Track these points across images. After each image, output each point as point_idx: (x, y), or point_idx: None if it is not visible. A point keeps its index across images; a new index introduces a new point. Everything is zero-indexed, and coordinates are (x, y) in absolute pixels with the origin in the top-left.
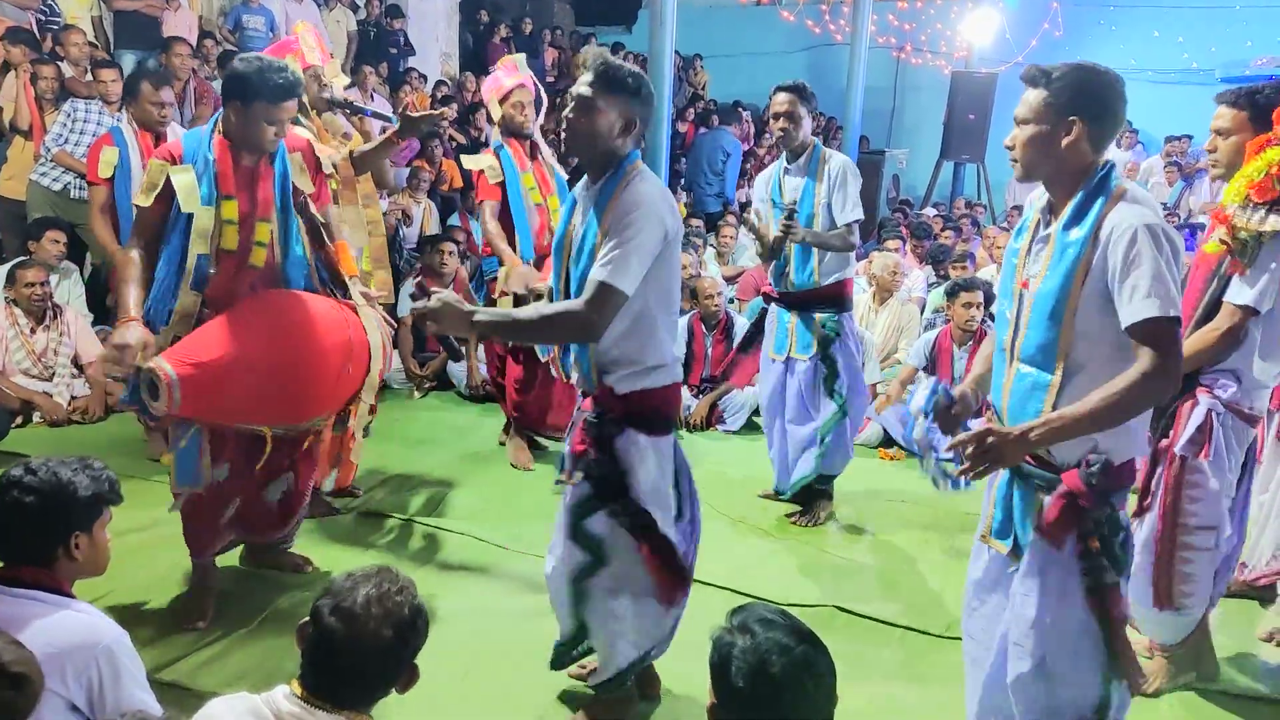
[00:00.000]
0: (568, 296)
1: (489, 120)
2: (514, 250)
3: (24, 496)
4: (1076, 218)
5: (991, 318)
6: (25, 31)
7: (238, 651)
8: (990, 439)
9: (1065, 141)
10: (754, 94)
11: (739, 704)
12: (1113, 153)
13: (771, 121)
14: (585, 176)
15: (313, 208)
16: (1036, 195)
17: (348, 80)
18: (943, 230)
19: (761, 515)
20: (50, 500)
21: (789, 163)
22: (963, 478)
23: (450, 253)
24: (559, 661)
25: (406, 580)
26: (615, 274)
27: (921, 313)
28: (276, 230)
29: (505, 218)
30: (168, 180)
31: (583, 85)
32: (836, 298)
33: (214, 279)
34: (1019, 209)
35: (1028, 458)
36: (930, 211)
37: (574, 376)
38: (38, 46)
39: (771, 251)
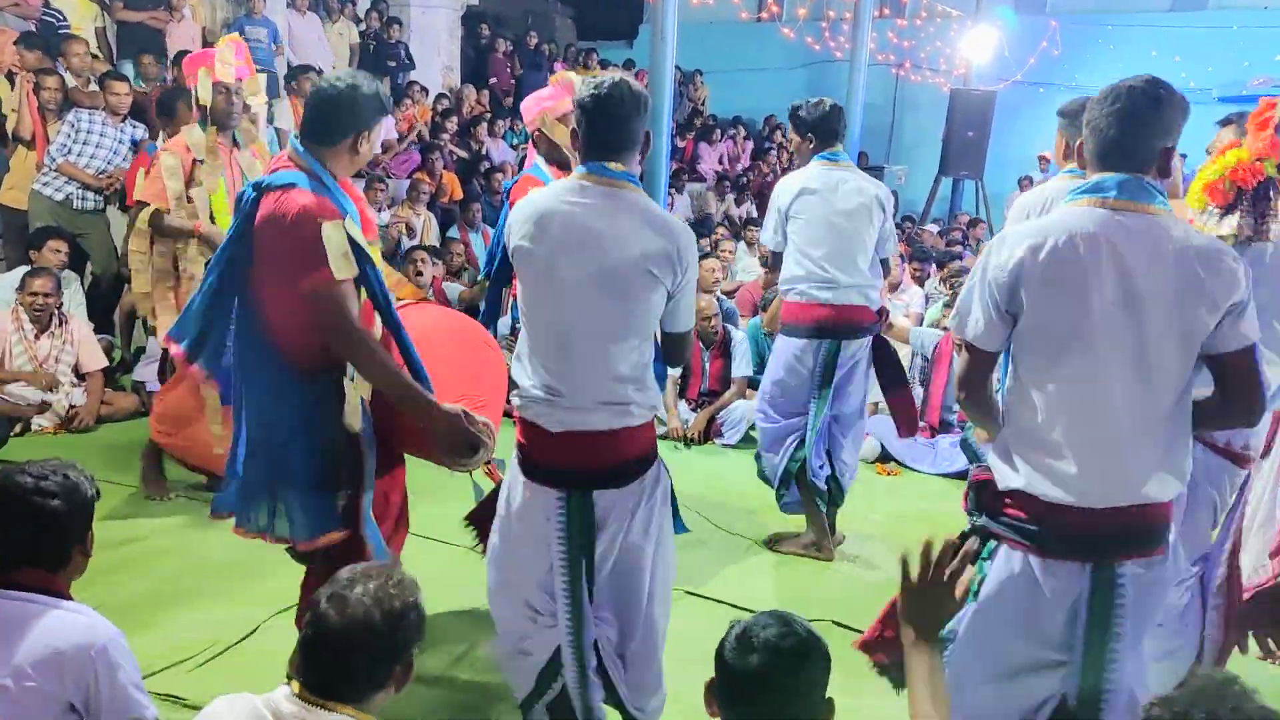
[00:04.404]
0: None
1: (530, 141)
2: None
3: (49, 501)
4: None
5: None
6: (38, 37)
7: (238, 660)
8: None
9: (1060, 162)
10: (753, 110)
11: (727, 675)
12: None
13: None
14: None
15: None
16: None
17: (265, 98)
18: (949, 245)
19: (758, 529)
20: (73, 503)
21: None
22: None
23: (424, 261)
24: None
25: (408, 579)
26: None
27: (920, 326)
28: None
29: None
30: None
31: None
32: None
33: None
34: None
35: None
36: (931, 228)
37: None
38: (51, 52)
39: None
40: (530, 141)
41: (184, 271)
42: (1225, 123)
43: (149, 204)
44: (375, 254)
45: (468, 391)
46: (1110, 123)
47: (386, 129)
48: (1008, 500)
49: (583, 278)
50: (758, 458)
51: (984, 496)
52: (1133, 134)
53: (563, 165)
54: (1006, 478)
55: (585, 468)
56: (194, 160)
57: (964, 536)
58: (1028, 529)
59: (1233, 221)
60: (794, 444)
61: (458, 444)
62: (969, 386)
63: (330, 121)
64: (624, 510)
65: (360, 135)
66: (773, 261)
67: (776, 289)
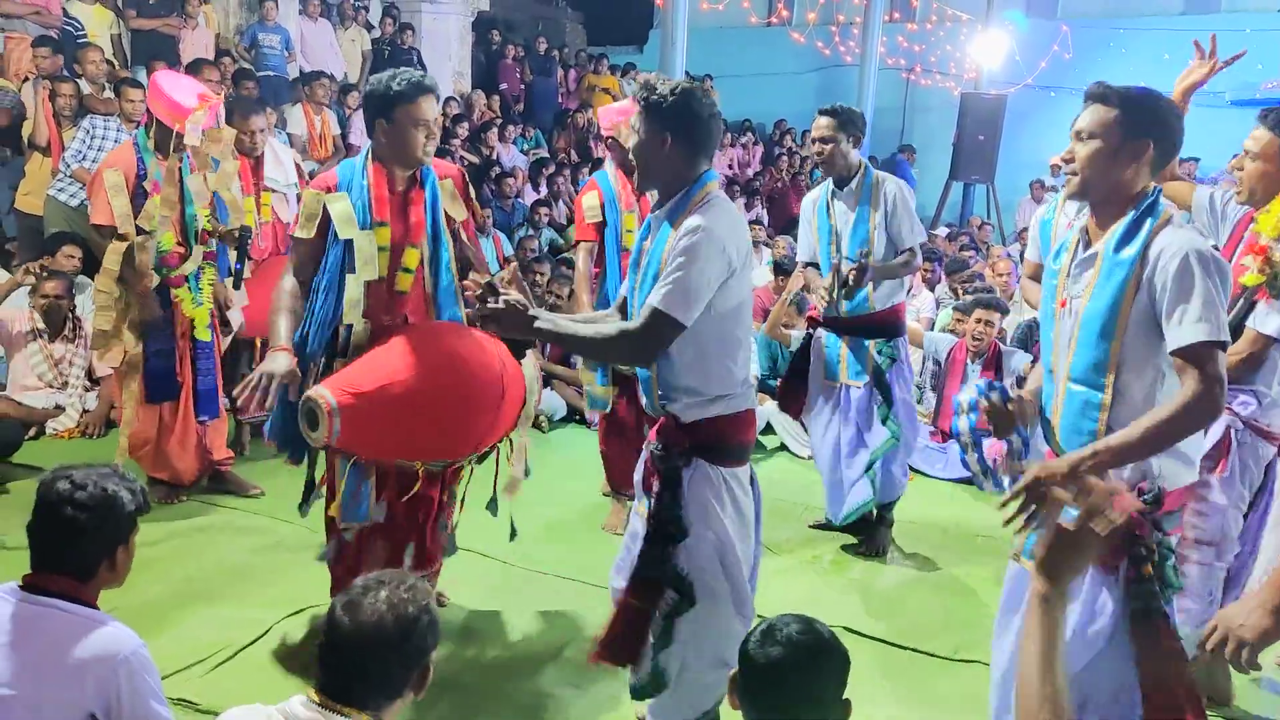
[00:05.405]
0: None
1: (608, 150)
2: (599, 294)
3: (79, 513)
4: (1126, 239)
5: (1003, 339)
6: (54, 40)
7: (249, 663)
8: (1040, 484)
9: (1133, 163)
10: (764, 114)
11: (748, 667)
12: None
13: (811, 145)
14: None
15: (464, 235)
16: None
17: (221, 150)
18: (961, 250)
19: (768, 534)
20: (102, 517)
21: (837, 187)
22: (1004, 476)
23: None
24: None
25: (421, 585)
26: (669, 302)
27: (932, 330)
28: (426, 256)
29: (603, 255)
30: (325, 210)
31: (634, 114)
32: (891, 323)
33: (365, 308)
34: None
35: None
36: (942, 231)
37: (644, 401)
38: (67, 60)
39: (846, 294)
40: (605, 145)
41: (130, 314)
42: (1272, 129)
43: (112, 235)
44: (387, 240)
45: (371, 381)
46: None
47: None
48: (1177, 497)
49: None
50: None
51: (1163, 506)
52: None
53: (630, 172)
54: (1179, 475)
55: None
56: (138, 177)
57: (1149, 556)
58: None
59: None
60: None
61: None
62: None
63: (366, 113)
64: None
65: (378, 124)
66: (915, 258)
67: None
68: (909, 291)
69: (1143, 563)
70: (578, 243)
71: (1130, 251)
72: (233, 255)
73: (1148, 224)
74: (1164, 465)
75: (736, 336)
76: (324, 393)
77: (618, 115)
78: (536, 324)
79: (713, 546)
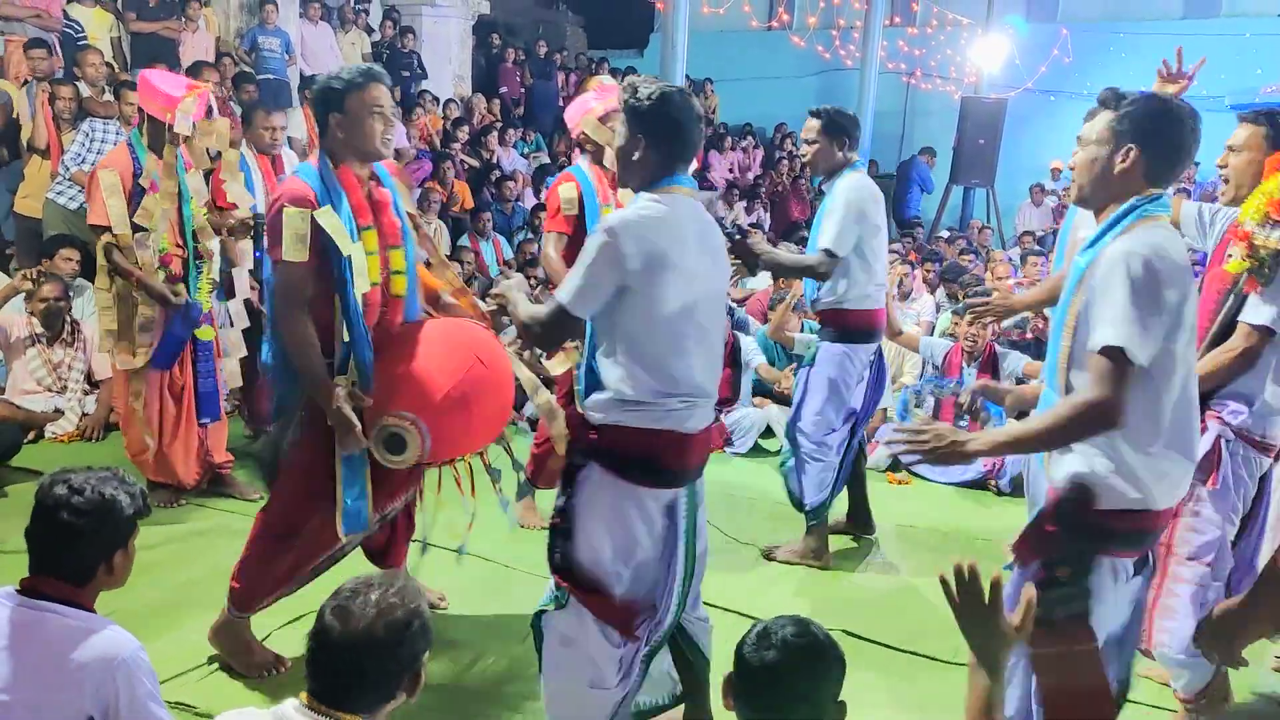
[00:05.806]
0: None
1: (578, 147)
2: None
3: (76, 519)
4: (1093, 243)
5: (1000, 340)
6: (44, 44)
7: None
8: (930, 438)
9: (1119, 168)
10: (764, 118)
11: (744, 670)
12: None
13: (800, 145)
14: None
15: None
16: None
17: (214, 142)
18: (961, 254)
19: (768, 538)
20: (100, 521)
21: (824, 185)
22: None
23: None
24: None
25: (411, 586)
26: (566, 293)
27: (931, 335)
28: (404, 256)
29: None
30: (314, 227)
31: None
32: (830, 325)
33: (365, 315)
34: (1030, 234)
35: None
36: (943, 234)
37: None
38: (67, 62)
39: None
40: (576, 146)
41: (140, 315)
42: (1252, 121)
43: (107, 234)
44: (384, 247)
45: (407, 392)
46: (1194, 142)
47: (397, 137)
48: (1119, 516)
49: (717, 286)
50: (793, 478)
51: (1088, 520)
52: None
53: (602, 163)
54: (1116, 496)
55: (705, 459)
56: (134, 176)
57: (1065, 563)
58: (1141, 538)
59: None
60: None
61: (339, 425)
62: (1123, 413)
63: (316, 114)
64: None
65: (331, 119)
66: (828, 266)
67: (781, 295)
68: (910, 297)
69: (1054, 566)
70: (548, 231)
71: (1086, 258)
72: (250, 244)
73: (1115, 231)
74: (1099, 475)
75: (657, 347)
76: (400, 414)
77: (579, 112)
78: (494, 289)
79: (588, 561)
